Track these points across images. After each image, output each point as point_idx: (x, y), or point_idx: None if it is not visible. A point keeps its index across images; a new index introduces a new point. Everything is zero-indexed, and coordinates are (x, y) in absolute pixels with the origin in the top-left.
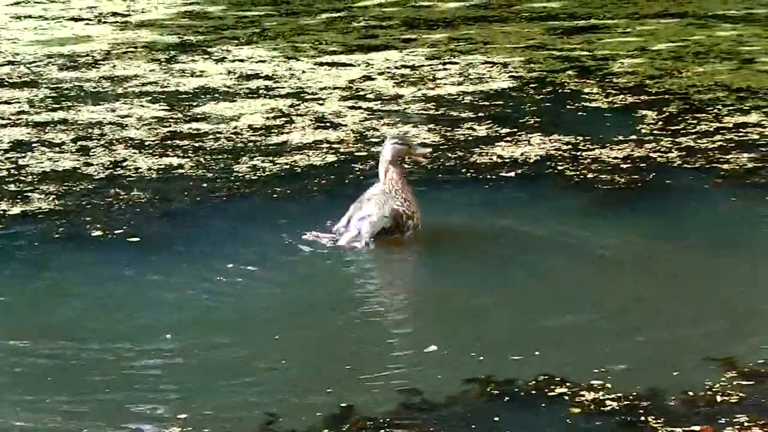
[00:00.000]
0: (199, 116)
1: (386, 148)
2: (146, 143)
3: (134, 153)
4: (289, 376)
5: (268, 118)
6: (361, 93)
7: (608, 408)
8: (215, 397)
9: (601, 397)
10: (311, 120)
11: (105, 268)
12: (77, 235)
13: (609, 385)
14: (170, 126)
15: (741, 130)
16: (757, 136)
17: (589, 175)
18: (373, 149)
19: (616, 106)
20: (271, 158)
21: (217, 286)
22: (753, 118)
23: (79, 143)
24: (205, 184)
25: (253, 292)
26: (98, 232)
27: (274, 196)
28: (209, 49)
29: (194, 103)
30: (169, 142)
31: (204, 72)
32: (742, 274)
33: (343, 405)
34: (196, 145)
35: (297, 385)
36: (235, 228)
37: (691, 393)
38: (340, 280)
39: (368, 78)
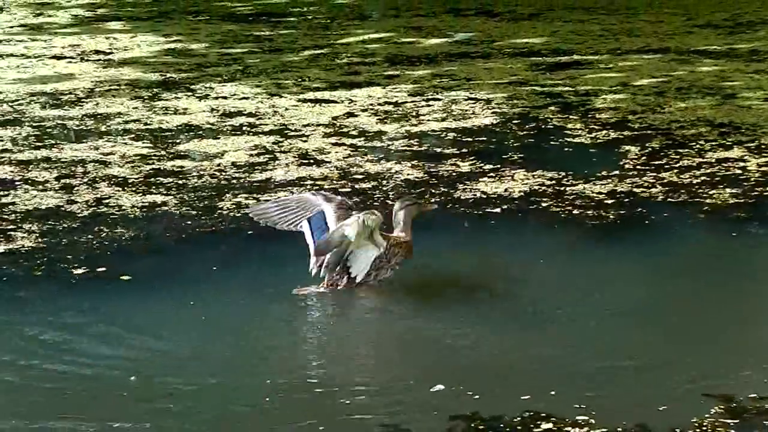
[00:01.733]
0: (182, 153)
1: (399, 213)
2: (129, 181)
3: (117, 190)
4: (275, 414)
5: (251, 155)
6: (345, 129)
7: None
8: None
9: None
10: (295, 157)
11: (89, 306)
12: (60, 273)
13: (594, 421)
14: (153, 163)
15: (723, 165)
16: (739, 171)
17: (575, 211)
18: (357, 186)
19: (599, 141)
20: (254, 195)
21: (203, 326)
22: (735, 153)
23: (62, 181)
24: (189, 222)
25: (239, 333)
26: (81, 270)
27: (259, 233)
28: (192, 87)
29: (177, 141)
30: (152, 179)
31: (187, 109)
32: (729, 307)
33: None
34: (180, 182)
35: (282, 424)
36: (221, 266)
37: (678, 429)
38: (323, 318)
39: (351, 114)
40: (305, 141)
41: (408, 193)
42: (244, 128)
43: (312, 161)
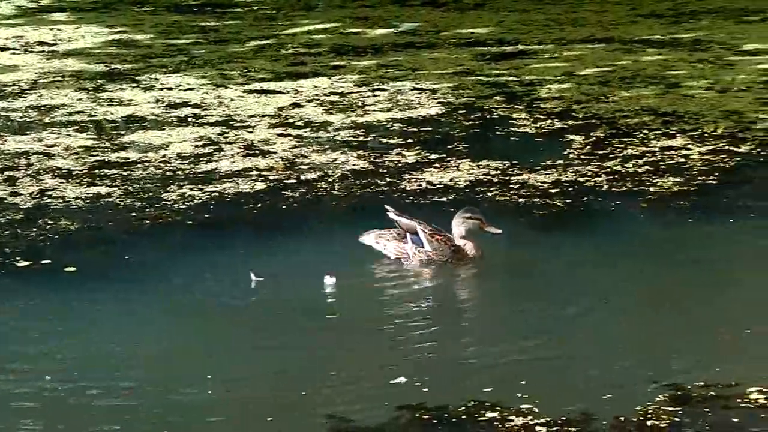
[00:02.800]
0: (127, 145)
1: (459, 224)
2: (74, 172)
3: (62, 182)
4: (223, 406)
5: (196, 146)
6: (290, 120)
7: None
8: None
9: (530, 422)
10: (240, 148)
11: (34, 298)
12: (4, 265)
13: (537, 410)
14: (98, 155)
15: (667, 154)
16: (682, 160)
17: (520, 200)
18: (302, 176)
19: (544, 131)
20: (200, 186)
21: (149, 317)
22: (678, 141)
23: (5, 173)
24: (134, 213)
25: (184, 322)
26: (26, 262)
27: (204, 224)
28: (137, 78)
29: (122, 132)
30: (97, 170)
31: (132, 100)
32: (675, 295)
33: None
34: (125, 173)
35: (233, 416)
36: (166, 257)
37: (622, 417)
38: (270, 307)
39: (297, 105)
40: (251, 132)
41: (473, 205)
42: (189, 119)
43: (257, 152)
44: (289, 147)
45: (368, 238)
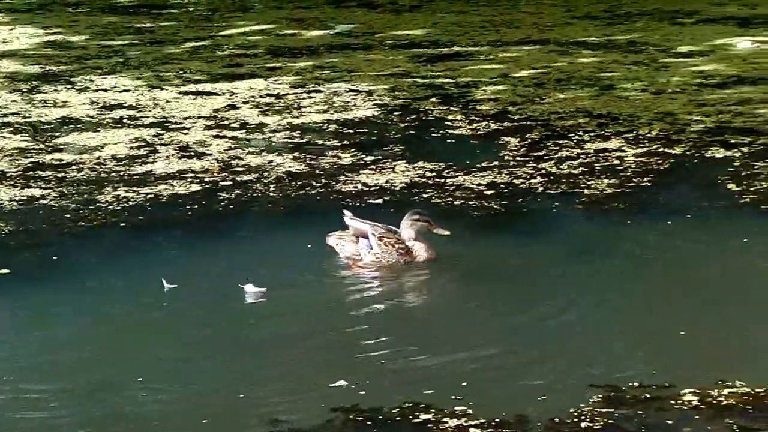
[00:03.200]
0: (61, 146)
1: (406, 226)
2: (8, 174)
3: None
4: (162, 406)
5: (131, 147)
6: (226, 122)
7: None
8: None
9: (465, 424)
10: (175, 149)
11: None
12: None
13: (471, 412)
14: (32, 156)
15: (601, 155)
16: (617, 162)
17: (456, 202)
18: (237, 178)
19: (479, 132)
20: (135, 188)
21: (83, 317)
22: (613, 143)
23: None
24: (68, 215)
25: (118, 324)
26: None
27: (139, 226)
28: (72, 79)
29: (57, 134)
30: (31, 172)
31: (67, 102)
32: (610, 296)
33: None
34: (59, 175)
35: (172, 416)
36: (100, 259)
37: (556, 419)
38: (203, 314)
39: (233, 107)
40: (186, 133)
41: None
42: (124, 121)
43: (193, 154)
44: (225, 149)
45: (332, 239)
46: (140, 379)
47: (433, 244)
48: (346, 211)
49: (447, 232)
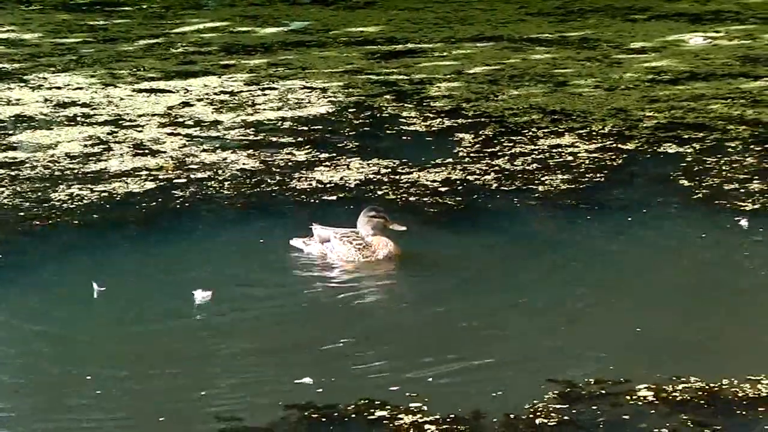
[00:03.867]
0: (15, 144)
1: (364, 223)
2: None
3: None
4: (109, 407)
5: (85, 145)
6: (180, 119)
7: (427, 430)
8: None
9: (420, 420)
10: (130, 147)
11: None
12: None
13: (427, 408)
14: None
15: (555, 151)
16: (570, 158)
17: (411, 199)
18: (192, 175)
19: (433, 129)
20: (89, 186)
21: (41, 317)
22: (566, 139)
23: None
24: (21, 213)
25: (70, 323)
26: None
27: (93, 224)
28: (25, 77)
29: (10, 132)
30: None
31: (20, 100)
32: (565, 292)
33: None
34: (13, 173)
35: (120, 416)
36: (53, 257)
37: (512, 415)
38: (160, 311)
39: (187, 104)
40: (140, 131)
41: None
42: (78, 118)
43: (147, 151)
44: (179, 146)
45: (297, 241)
46: (89, 378)
47: (395, 239)
48: (315, 225)
49: (403, 228)
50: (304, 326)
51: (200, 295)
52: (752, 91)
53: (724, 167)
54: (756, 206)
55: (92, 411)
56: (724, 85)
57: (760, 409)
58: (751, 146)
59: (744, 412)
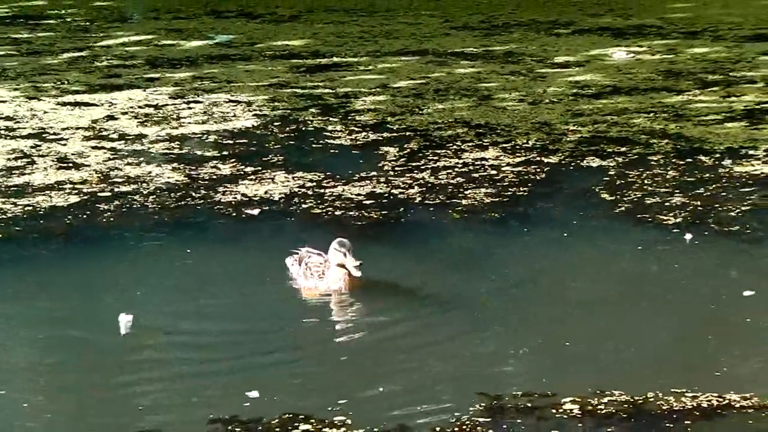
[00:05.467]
0: None
1: (332, 254)
2: None
3: None
4: (45, 421)
5: (8, 159)
6: (105, 133)
7: None
8: None
9: None
10: (53, 160)
11: None
12: None
13: (350, 422)
14: None
15: (479, 165)
16: (494, 172)
17: (336, 212)
18: (116, 189)
19: (358, 143)
20: (12, 200)
21: None
22: (491, 153)
23: None
24: None
25: (9, 338)
26: None
27: (16, 237)
28: None
29: None
30: None
31: None
32: (488, 306)
33: None
34: None
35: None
36: None
37: (438, 428)
38: (92, 319)
39: (111, 117)
40: (64, 144)
41: (346, 239)
42: (1, 132)
43: (71, 165)
44: (104, 159)
45: (288, 260)
46: (4, 391)
47: (352, 277)
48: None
49: (357, 272)
50: (232, 340)
51: (124, 320)
52: (675, 105)
53: (646, 181)
54: (678, 219)
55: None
56: (647, 99)
57: (684, 422)
58: (674, 160)
59: (668, 425)
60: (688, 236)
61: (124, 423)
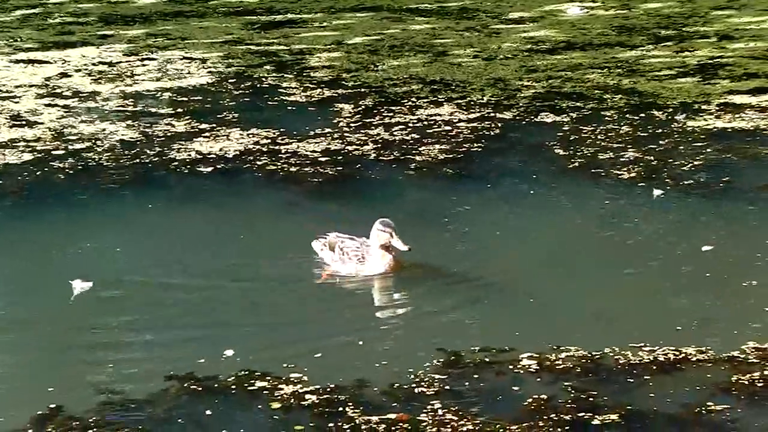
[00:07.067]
0: None
1: (374, 235)
2: None
3: None
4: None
5: None
6: (58, 90)
7: (308, 401)
8: None
9: (300, 390)
10: (6, 118)
11: None
12: None
13: (307, 378)
14: None
15: (434, 121)
16: (449, 128)
17: (291, 169)
18: (71, 146)
19: (313, 99)
20: None
21: None
22: (445, 109)
23: None
24: None
25: None
26: None
27: None
28: None
29: None
30: None
31: None
32: (444, 263)
33: (51, 405)
34: None
35: (10, 386)
36: None
37: (394, 383)
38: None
39: (65, 75)
40: (17, 102)
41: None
42: None
43: (24, 123)
44: (57, 117)
45: (316, 244)
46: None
47: (397, 259)
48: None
49: (405, 248)
50: (190, 300)
51: (79, 285)
52: (628, 60)
53: (600, 136)
54: (632, 174)
55: None
56: (601, 55)
57: (642, 376)
58: (627, 115)
59: (625, 378)
60: (657, 192)
61: (78, 383)
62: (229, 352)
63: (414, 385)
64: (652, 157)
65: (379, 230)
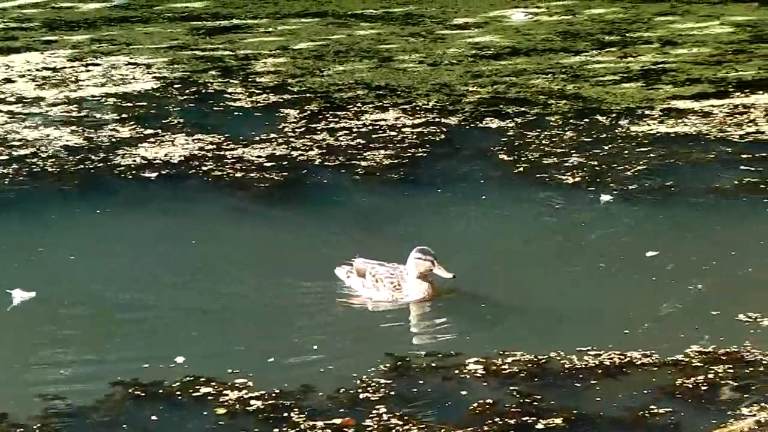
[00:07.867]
0: None
1: (411, 264)
2: None
3: None
4: None
5: None
6: (2, 96)
7: (253, 406)
8: None
9: (246, 396)
10: None
11: None
12: None
13: (252, 384)
14: None
15: (379, 126)
16: (394, 133)
17: (237, 175)
18: (15, 152)
19: (258, 105)
20: None
21: None
22: (391, 115)
23: None
24: None
25: None
26: None
27: None
28: None
29: None
30: None
31: None
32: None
33: None
34: None
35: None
36: None
37: (339, 388)
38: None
39: (8, 80)
40: None
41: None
42: None
43: None
44: (1, 123)
45: (341, 271)
46: None
47: (434, 287)
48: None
49: (449, 275)
50: (137, 306)
51: (20, 295)
52: (572, 65)
53: (544, 141)
54: (576, 179)
55: None
56: (545, 60)
57: (588, 380)
58: (571, 120)
59: (571, 382)
60: (605, 197)
61: (20, 389)
62: (180, 359)
63: (360, 390)
64: (596, 162)
65: (418, 259)
